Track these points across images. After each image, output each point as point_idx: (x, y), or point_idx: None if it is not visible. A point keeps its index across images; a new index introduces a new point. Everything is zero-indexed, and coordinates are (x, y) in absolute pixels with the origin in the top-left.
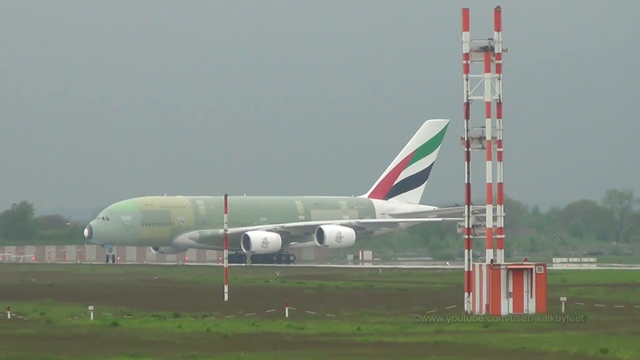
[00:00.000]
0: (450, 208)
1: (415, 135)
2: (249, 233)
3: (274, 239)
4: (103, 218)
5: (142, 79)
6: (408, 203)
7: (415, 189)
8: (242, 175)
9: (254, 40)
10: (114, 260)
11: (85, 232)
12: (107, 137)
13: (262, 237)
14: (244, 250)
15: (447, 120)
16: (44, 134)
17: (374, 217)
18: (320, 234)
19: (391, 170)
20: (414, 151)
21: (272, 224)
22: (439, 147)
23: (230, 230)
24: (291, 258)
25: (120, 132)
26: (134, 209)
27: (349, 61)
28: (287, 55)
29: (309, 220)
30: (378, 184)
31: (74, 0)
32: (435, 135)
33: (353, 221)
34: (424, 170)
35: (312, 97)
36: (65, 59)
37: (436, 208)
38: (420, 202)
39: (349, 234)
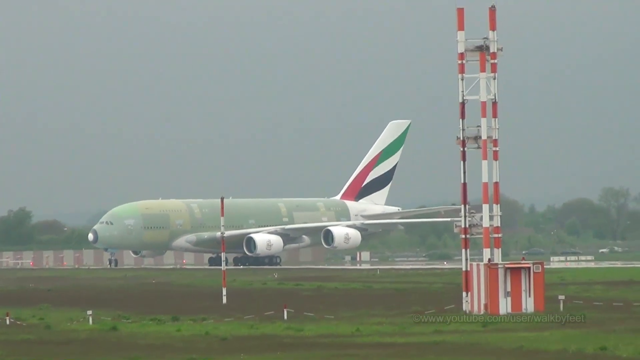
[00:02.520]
0: (414, 210)
1: (380, 137)
2: (253, 235)
3: (277, 240)
4: (107, 222)
5: (133, 86)
6: (375, 204)
7: (381, 190)
8: (220, 178)
9: (241, 51)
10: (116, 264)
11: (90, 236)
12: (100, 143)
13: (267, 239)
14: (247, 252)
15: (408, 121)
16: (40, 140)
17: (349, 219)
18: (330, 235)
19: (360, 172)
20: (380, 152)
21: (260, 226)
22: (402, 147)
23: (227, 233)
24: (277, 260)
25: (113, 138)
26: (136, 212)
27: (322, 70)
28: (269, 65)
29: (292, 222)
30: (348, 186)
31: (74, 2)
32: (399, 136)
33: (357, 222)
34: (388, 171)
35: (283, 102)
36: (60, 63)
37: (399, 209)
38: (385, 203)
39: (355, 235)
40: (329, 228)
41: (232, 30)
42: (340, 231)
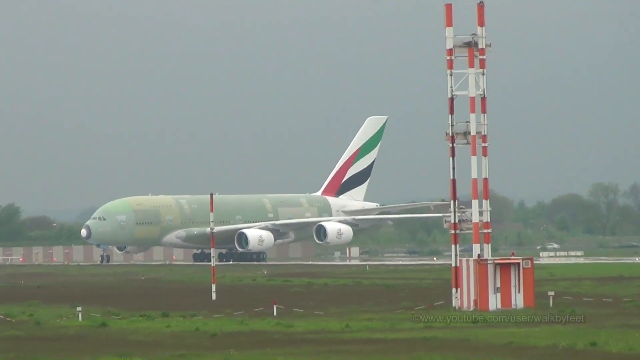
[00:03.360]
0: (403, 204)
1: (359, 133)
2: (245, 231)
3: (268, 236)
4: (99, 218)
5: (121, 84)
6: (355, 200)
7: (360, 186)
8: (201, 174)
9: (225, 49)
10: (108, 260)
11: (83, 232)
12: (89, 139)
13: (258, 234)
14: (238, 248)
15: (385, 117)
16: (29, 136)
17: (331, 215)
18: (322, 231)
19: (340, 168)
20: (359, 148)
21: (246, 222)
22: (379, 144)
23: (217, 228)
24: (263, 256)
25: (101, 135)
26: (127, 208)
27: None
28: (255, 65)
29: (277, 218)
30: (329, 182)
31: (65, 4)
32: (376, 132)
33: (349, 218)
34: (367, 167)
35: (257, 97)
36: (51, 60)
37: (378, 205)
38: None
39: (347, 230)
40: (322, 223)
41: (225, 32)
42: (333, 227)
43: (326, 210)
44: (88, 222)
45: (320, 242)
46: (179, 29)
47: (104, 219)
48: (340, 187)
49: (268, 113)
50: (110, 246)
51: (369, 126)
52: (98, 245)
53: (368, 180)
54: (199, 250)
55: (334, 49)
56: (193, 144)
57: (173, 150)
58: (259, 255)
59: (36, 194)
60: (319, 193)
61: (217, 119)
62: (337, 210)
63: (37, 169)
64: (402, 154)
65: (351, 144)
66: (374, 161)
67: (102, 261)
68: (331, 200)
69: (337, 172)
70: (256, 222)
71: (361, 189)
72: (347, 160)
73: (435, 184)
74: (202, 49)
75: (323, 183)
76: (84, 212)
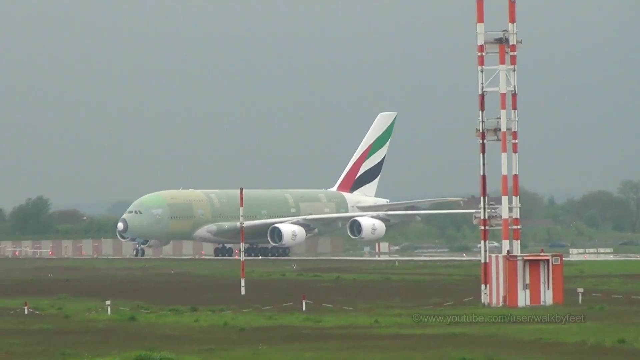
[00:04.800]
0: (421, 200)
1: (371, 128)
2: (279, 226)
3: (300, 231)
4: (136, 212)
5: (145, 84)
6: (367, 196)
7: (371, 182)
8: (213, 169)
9: (242, 47)
10: (143, 254)
11: (120, 225)
12: (117, 134)
13: (292, 229)
14: (271, 243)
15: (395, 113)
16: (59, 130)
17: (347, 210)
18: (357, 226)
19: (353, 164)
20: (371, 144)
21: (271, 217)
22: (390, 139)
23: (246, 223)
24: (287, 251)
25: (130, 129)
26: (162, 202)
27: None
28: (265, 64)
29: (299, 213)
30: (343, 178)
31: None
32: (387, 128)
33: (381, 213)
34: (378, 163)
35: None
36: (78, 57)
37: (388, 201)
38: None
39: (380, 226)
40: (357, 219)
41: (242, 29)
42: (368, 222)
43: (343, 206)
44: (124, 216)
45: (355, 237)
46: (203, 26)
47: (140, 213)
48: (354, 183)
49: (278, 109)
50: (142, 240)
51: (380, 122)
52: (133, 239)
53: (379, 176)
54: (221, 245)
55: (346, 48)
56: (212, 139)
57: (197, 146)
58: (285, 250)
59: (65, 187)
60: (334, 189)
61: (217, 116)
62: (353, 206)
63: (66, 162)
64: (409, 150)
65: (364, 139)
66: (384, 157)
67: (136, 254)
68: (347, 195)
69: (351, 167)
70: (280, 217)
71: (373, 185)
72: (361, 156)
73: (443, 180)
74: (222, 48)
75: (335, 179)
76: (113, 206)
